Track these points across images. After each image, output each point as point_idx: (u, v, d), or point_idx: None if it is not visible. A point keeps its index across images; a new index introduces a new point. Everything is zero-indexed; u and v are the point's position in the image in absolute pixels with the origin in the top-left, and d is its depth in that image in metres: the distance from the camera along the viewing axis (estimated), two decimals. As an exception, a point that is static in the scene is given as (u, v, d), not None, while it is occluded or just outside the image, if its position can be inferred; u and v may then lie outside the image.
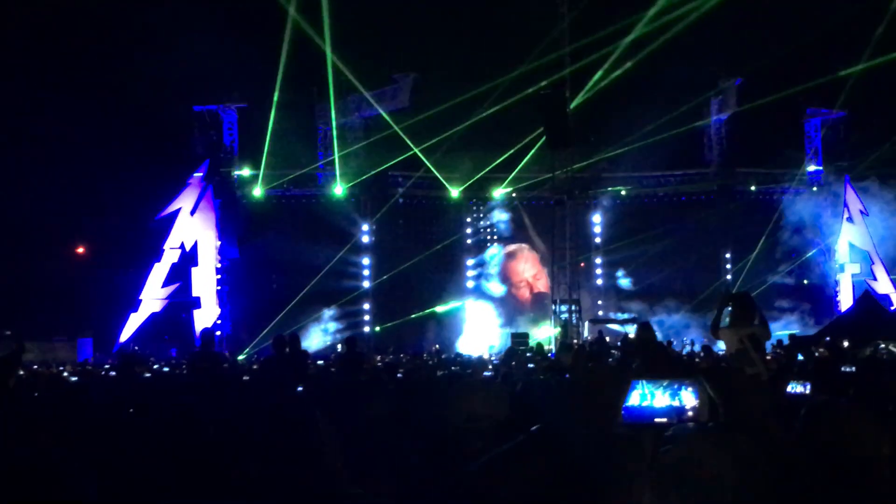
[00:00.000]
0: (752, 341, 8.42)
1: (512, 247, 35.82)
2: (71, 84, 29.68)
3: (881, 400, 6.55)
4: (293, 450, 4.36)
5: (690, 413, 1.96)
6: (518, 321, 33.46)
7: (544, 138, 27.70)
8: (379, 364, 19.50)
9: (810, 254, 33.99)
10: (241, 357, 28.09)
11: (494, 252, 35.68)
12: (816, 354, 17.01)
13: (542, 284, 35.01)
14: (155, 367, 20.17)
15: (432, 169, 33.22)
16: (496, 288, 35.44)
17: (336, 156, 32.71)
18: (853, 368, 10.21)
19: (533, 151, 31.73)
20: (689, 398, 1.97)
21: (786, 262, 33.43)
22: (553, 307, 28.72)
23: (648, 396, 1.96)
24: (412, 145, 31.93)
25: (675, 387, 1.99)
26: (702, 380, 2.00)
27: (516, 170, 33.48)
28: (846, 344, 20.14)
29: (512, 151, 32.35)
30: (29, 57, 29.92)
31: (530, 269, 35.72)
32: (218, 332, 27.82)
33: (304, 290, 30.98)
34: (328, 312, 32.25)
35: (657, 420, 1.95)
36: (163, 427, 4.24)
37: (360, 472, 3.35)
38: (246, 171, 33.44)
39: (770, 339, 9.86)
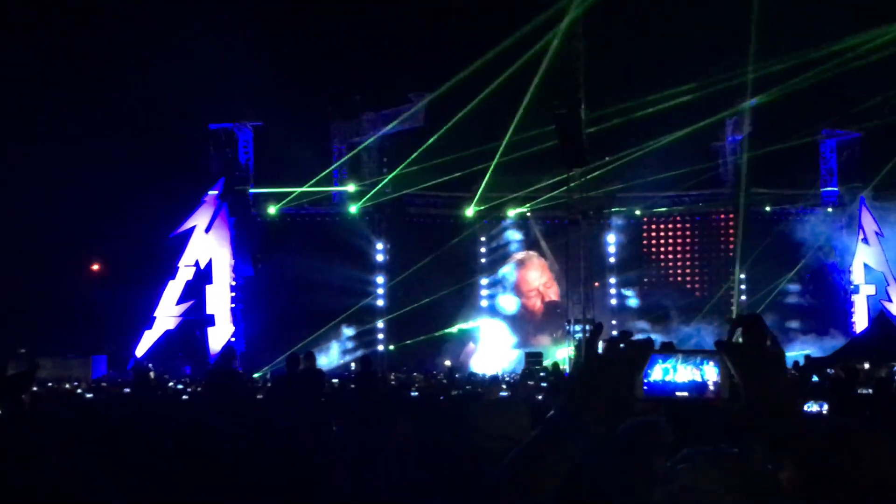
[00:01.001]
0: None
1: (520, 254, 35.82)
2: (87, 101, 29.91)
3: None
4: (306, 463, 4.38)
5: (712, 388, 1.97)
6: (535, 339, 33.42)
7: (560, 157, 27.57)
8: (393, 382, 19.50)
9: (825, 275, 33.81)
10: (256, 375, 28.08)
11: (507, 270, 35.64)
12: (831, 372, 16.93)
13: (554, 293, 35.04)
14: (169, 384, 20.21)
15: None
16: (509, 303, 35.38)
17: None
18: (870, 390, 10.18)
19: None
20: (711, 372, 1.97)
21: (800, 283, 33.25)
22: (567, 327, 28.61)
23: (671, 370, 1.96)
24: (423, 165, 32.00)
25: (698, 360, 1.99)
26: (723, 356, 2.01)
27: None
28: (867, 366, 20.00)
29: (527, 171, 32.37)
30: (45, 75, 30.15)
31: (540, 277, 35.67)
32: (232, 350, 27.77)
33: (319, 309, 30.94)
34: (342, 331, 32.26)
35: (678, 394, 1.94)
36: (179, 442, 4.25)
37: (376, 488, 3.35)
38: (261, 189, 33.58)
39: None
